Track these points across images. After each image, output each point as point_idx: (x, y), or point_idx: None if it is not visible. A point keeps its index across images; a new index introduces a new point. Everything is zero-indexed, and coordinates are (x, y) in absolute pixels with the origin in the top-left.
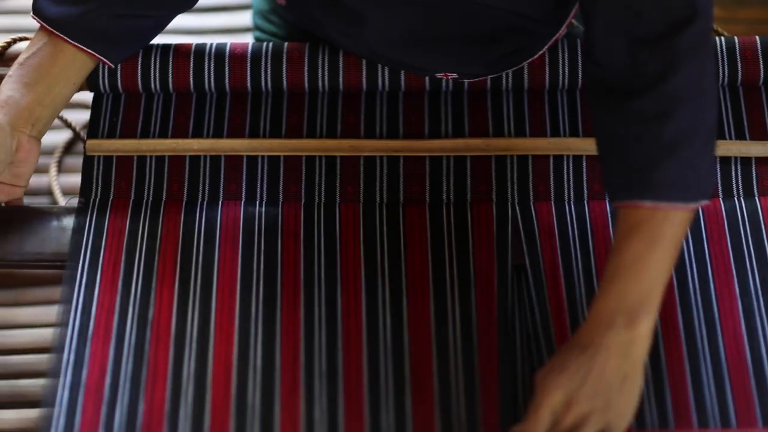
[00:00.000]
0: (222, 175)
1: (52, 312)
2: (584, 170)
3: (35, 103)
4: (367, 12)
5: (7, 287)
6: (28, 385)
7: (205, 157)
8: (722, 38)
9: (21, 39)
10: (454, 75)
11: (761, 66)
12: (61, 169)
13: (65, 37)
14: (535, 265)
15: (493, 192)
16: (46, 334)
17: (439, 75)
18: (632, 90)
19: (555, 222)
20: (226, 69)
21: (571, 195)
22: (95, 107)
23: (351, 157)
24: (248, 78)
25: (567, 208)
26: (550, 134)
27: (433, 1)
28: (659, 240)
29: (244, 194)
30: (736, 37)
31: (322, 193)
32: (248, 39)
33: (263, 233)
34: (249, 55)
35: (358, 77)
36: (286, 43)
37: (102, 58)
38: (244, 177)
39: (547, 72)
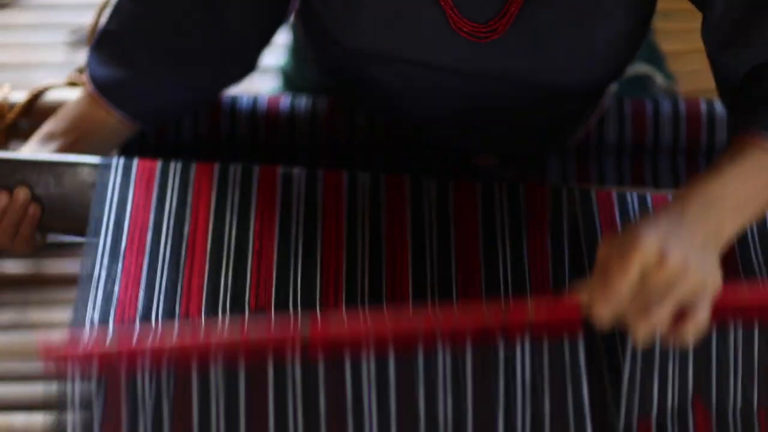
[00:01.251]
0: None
1: None
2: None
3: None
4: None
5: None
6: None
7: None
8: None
9: (50, 88)
10: (495, 159)
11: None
12: None
13: (106, 100)
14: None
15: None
16: None
17: (476, 159)
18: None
19: (616, 209)
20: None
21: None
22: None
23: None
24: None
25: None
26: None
27: (499, 77)
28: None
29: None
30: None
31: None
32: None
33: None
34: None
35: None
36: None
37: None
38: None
39: (594, 150)
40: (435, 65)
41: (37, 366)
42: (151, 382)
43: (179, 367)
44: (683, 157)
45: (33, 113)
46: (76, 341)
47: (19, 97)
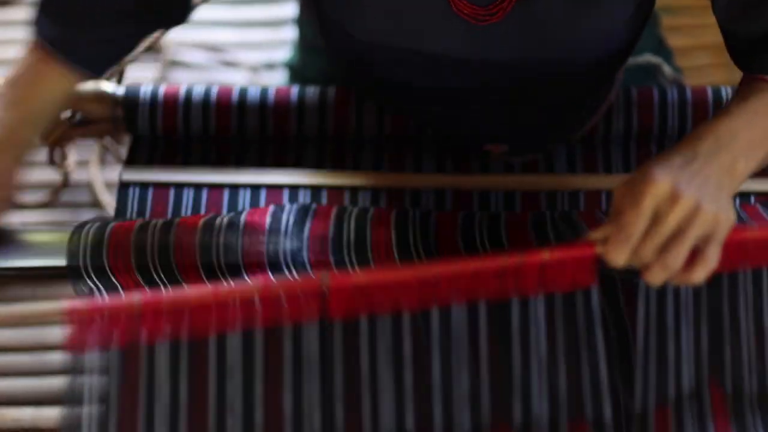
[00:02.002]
0: (262, 202)
1: None
2: None
3: (19, 123)
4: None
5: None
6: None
7: (245, 189)
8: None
9: None
10: (505, 147)
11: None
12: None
13: (63, 56)
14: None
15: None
16: None
17: (488, 147)
18: None
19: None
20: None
21: None
22: (133, 147)
23: (396, 190)
24: (293, 124)
25: None
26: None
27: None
28: None
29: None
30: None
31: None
32: (287, 33)
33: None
34: (294, 104)
35: (404, 126)
36: (331, 90)
37: (91, 73)
38: (285, 202)
39: (600, 139)
40: (436, 51)
41: (45, 360)
42: (168, 351)
43: (196, 332)
44: None
45: None
46: (99, 305)
47: None
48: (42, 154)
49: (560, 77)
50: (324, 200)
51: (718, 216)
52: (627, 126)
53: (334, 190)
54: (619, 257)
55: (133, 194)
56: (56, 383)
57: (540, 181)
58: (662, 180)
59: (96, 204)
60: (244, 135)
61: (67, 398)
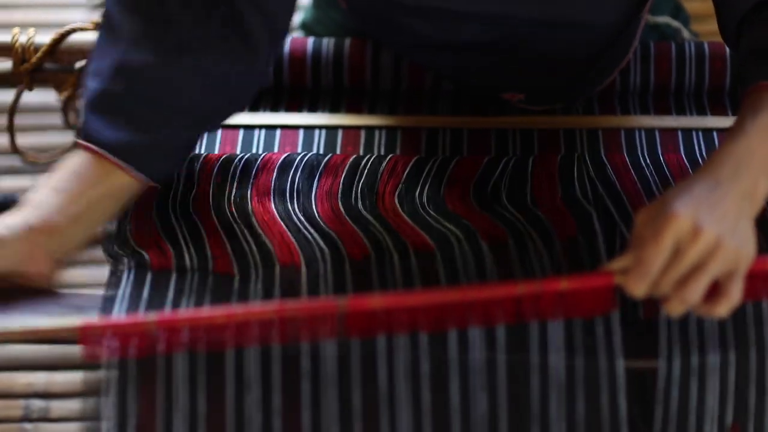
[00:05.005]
0: (277, 142)
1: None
2: (657, 138)
3: (69, 219)
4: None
5: None
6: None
7: (260, 129)
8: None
9: (75, 30)
10: (521, 96)
11: None
12: None
13: (123, 164)
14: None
15: (561, 149)
16: None
17: (505, 96)
18: None
19: (630, 166)
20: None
21: (645, 151)
22: None
23: (413, 129)
24: (308, 76)
25: (640, 155)
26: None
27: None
28: None
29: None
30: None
31: (381, 153)
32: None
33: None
34: (309, 55)
35: (421, 78)
36: (347, 42)
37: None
38: (299, 141)
39: (618, 92)
40: (458, 6)
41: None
42: (186, 366)
43: (214, 347)
44: (707, 98)
45: (57, 55)
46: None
47: (44, 39)
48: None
49: (573, 33)
50: (339, 141)
51: (739, 252)
52: (644, 80)
53: (350, 131)
54: (638, 290)
55: None
56: (69, 348)
57: (557, 121)
58: (683, 215)
59: None
60: None
61: (86, 412)
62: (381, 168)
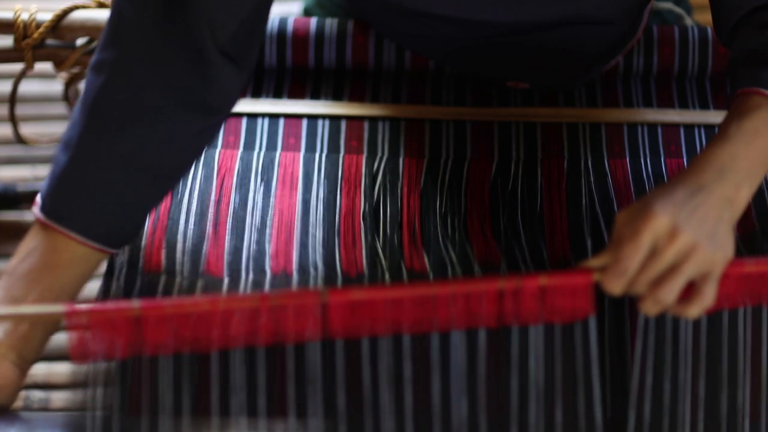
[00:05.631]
0: (280, 132)
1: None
2: (660, 135)
3: (22, 324)
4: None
5: None
6: None
7: (263, 118)
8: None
9: (78, 7)
10: (526, 86)
11: None
12: None
13: (64, 230)
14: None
15: (564, 150)
16: None
17: (509, 83)
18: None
19: (630, 178)
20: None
21: (647, 153)
22: None
23: (416, 120)
24: (311, 56)
25: (643, 164)
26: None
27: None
28: None
29: (303, 146)
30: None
31: (385, 149)
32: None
33: (323, 178)
34: (312, 35)
35: (425, 60)
36: (350, 23)
37: (107, 249)
38: (303, 133)
39: (620, 77)
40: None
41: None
42: (172, 364)
43: (199, 343)
44: (710, 84)
45: (59, 32)
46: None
47: (46, 17)
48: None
49: (581, 29)
50: (343, 134)
51: (715, 255)
52: (647, 63)
53: (354, 121)
54: (615, 288)
55: None
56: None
57: (561, 113)
58: (662, 215)
59: None
60: (262, 65)
61: (73, 408)
62: (399, 186)
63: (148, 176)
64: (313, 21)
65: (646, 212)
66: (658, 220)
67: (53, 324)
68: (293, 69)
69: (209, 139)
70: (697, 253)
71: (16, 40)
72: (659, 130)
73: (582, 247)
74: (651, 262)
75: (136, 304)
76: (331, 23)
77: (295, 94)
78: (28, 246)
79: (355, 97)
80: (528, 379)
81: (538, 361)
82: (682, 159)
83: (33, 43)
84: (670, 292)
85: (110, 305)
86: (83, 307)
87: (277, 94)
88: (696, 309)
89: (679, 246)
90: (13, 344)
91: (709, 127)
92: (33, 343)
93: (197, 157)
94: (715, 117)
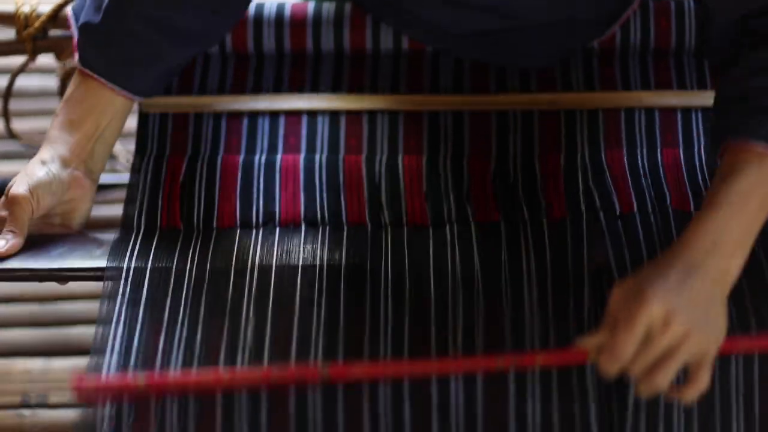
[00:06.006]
0: (281, 130)
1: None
2: (657, 122)
3: (86, 139)
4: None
5: None
6: (80, 333)
7: (264, 116)
8: None
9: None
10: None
11: None
12: None
13: (99, 78)
14: (609, 209)
15: (562, 144)
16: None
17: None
18: (755, 46)
19: (627, 170)
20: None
21: (644, 144)
22: None
23: (414, 113)
24: (309, 40)
25: (639, 157)
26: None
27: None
28: (765, 182)
29: (304, 147)
30: None
31: (384, 147)
32: None
33: (324, 182)
34: (310, 19)
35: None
36: (347, 6)
37: (134, 96)
38: (303, 131)
39: (618, 53)
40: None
41: (54, 310)
42: (177, 411)
43: (204, 395)
44: (708, 61)
45: (60, 21)
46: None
47: (47, 8)
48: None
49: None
50: (343, 126)
51: (708, 340)
52: (644, 38)
53: (353, 116)
54: (610, 371)
55: (153, 124)
56: (66, 333)
57: (559, 99)
58: (656, 302)
59: None
60: (261, 52)
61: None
62: (401, 188)
63: (174, 37)
64: (311, 5)
65: (640, 298)
66: (652, 307)
67: (115, 138)
68: (292, 54)
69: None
70: (691, 339)
71: (17, 32)
72: (656, 115)
73: (578, 212)
74: (645, 349)
75: (140, 379)
76: (328, 7)
77: (295, 83)
78: (74, 85)
79: (354, 83)
80: (526, 421)
81: (535, 402)
82: (678, 149)
83: (34, 33)
84: (664, 379)
85: (116, 380)
86: (90, 381)
87: (277, 84)
88: (691, 393)
89: (672, 334)
90: (83, 159)
91: (706, 110)
92: (98, 157)
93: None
94: (712, 98)
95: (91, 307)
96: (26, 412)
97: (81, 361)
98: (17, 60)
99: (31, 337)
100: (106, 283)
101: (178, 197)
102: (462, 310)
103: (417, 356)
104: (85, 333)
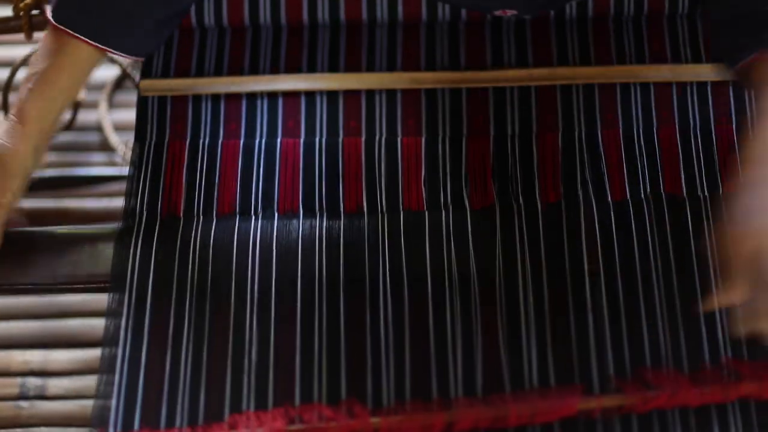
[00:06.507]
0: (280, 113)
1: None
2: (653, 97)
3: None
4: None
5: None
6: (79, 325)
7: (263, 98)
8: None
9: None
10: (514, 12)
11: None
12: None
13: (71, 32)
14: (601, 193)
15: (559, 122)
16: None
17: (497, 12)
18: None
19: (623, 150)
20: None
21: (640, 122)
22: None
23: (412, 91)
24: (305, 11)
25: (636, 136)
26: (616, 63)
27: None
28: None
29: (303, 131)
30: None
31: (383, 128)
32: None
33: (324, 169)
34: None
35: (417, 8)
36: None
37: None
38: (302, 114)
39: (613, 37)
40: None
41: (54, 302)
42: None
43: None
44: (700, 21)
45: None
46: None
47: None
48: None
49: None
50: (341, 106)
51: None
52: (638, 4)
53: (350, 96)
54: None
55: (152, 109)
56: (66, 325)
57: (555, 74)
58: None
59: (105, 146)
60: (257, 24)
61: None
62: (399, 173)
63: None
64: None
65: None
66: None
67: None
68: (288, 27)
69: None
70: None
71: (14, 7)
72: (652, 89)
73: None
74: None
75: None
76: None
77: (292, 60)
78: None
79: (351, 58)
80: None
81: None
82: (674, 126)
83: (31, 3)
84: None
85: None
86: None
87: (275, 61)
88: None
89: None
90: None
91: (701, 84)
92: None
93: None
94: (707, 73)
95: (91, 298)
96: (24, 403)
97: (80, 353)
98: (17, 52)
99: (29, 328)
100: (110, 297)
101: (178, 185)
102: (459, 297)
103: (417, 343)
104: (84, 325)
